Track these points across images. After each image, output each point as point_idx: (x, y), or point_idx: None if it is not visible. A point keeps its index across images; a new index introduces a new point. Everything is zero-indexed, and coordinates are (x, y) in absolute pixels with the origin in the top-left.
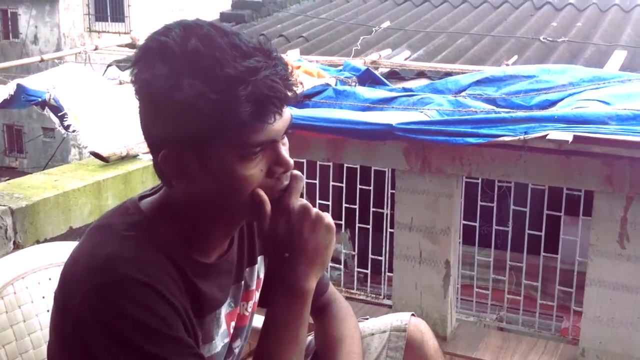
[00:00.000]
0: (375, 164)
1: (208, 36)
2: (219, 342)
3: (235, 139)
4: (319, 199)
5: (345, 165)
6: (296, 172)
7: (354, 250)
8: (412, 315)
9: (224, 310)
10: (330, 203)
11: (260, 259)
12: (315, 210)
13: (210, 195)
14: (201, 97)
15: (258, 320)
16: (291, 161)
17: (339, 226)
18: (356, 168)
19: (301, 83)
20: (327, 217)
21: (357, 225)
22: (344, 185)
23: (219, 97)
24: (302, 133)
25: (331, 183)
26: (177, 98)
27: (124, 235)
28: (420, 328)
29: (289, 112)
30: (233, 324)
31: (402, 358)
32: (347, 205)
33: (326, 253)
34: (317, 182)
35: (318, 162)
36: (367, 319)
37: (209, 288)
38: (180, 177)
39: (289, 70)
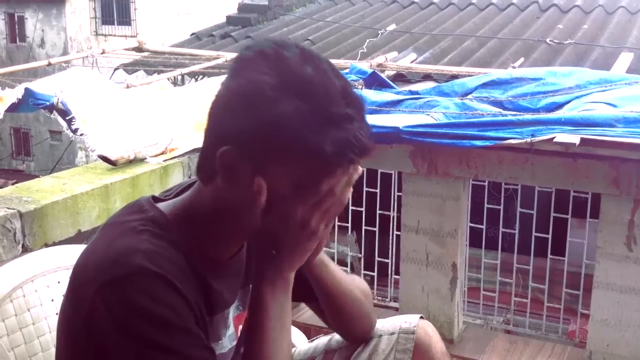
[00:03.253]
0: (382, 167)
1: (323, 71)
2: (227, 343)
3: (305, 174)
4: None
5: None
6: None
7: (361, 253)
8: (421, 317)
9: (232, 311)
10: None
11: None
12: (313, 223)
13: (245, 206)
14: (301, 119)
15: None
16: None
17: (345, 229)
18: (362, 171)
19: None
20: (320, 231)
21: (363, 227)
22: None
23: (316, 126)
24: None
25: None
26: (278, 109)
27: (140, 230)
28: (428, 331)
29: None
30: (240, 327)
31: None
32: (354, 208)
33: (308, 255)
34: None
35: None
36: None
37: (220, 287)
38: (228, 178)
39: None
